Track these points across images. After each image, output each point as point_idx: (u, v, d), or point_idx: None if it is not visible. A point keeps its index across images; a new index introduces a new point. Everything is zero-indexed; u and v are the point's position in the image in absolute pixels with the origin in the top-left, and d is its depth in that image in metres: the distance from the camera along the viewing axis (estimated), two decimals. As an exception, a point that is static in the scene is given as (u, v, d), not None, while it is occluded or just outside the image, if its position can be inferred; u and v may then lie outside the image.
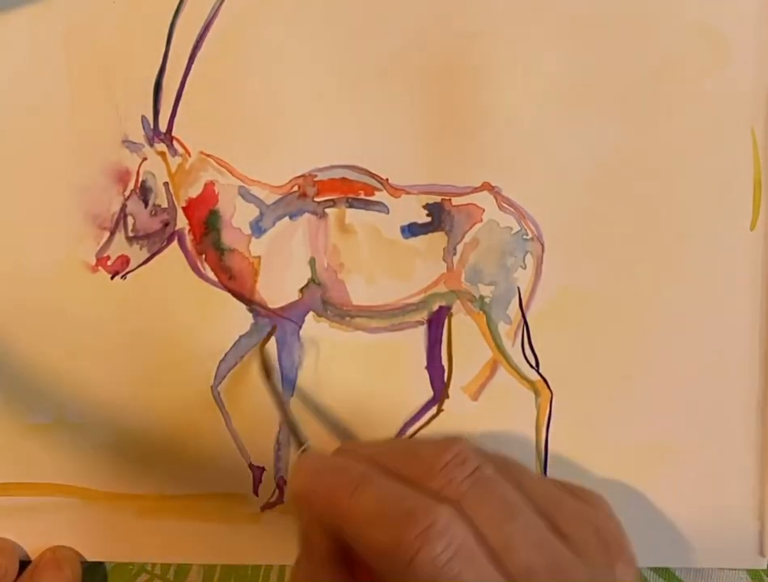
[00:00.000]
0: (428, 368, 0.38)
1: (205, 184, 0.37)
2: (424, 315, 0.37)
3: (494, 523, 0.26)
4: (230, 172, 0.37)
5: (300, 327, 0.38)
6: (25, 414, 0.38)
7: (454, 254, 0.37)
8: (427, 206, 0.37)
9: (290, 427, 0.36)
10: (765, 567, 0.38)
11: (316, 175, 0.37)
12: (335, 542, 0.28)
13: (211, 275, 0.37)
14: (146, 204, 0.37)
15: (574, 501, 0.29)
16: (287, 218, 0.37)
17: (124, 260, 0.37)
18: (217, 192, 0.37)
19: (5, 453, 0.38)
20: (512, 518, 0.27)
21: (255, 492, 0.38)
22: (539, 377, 0.38)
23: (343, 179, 0.37)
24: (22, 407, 0.38)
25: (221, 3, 0.37)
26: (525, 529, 0.27)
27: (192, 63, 0.37)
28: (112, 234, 0.37)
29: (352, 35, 0.37)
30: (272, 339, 0.37)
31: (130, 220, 0.37)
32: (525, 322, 0.37)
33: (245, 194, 0.37)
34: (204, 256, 0.37)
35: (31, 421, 0.38)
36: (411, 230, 0.37)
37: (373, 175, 0.37)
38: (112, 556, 0.39)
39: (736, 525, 0.38)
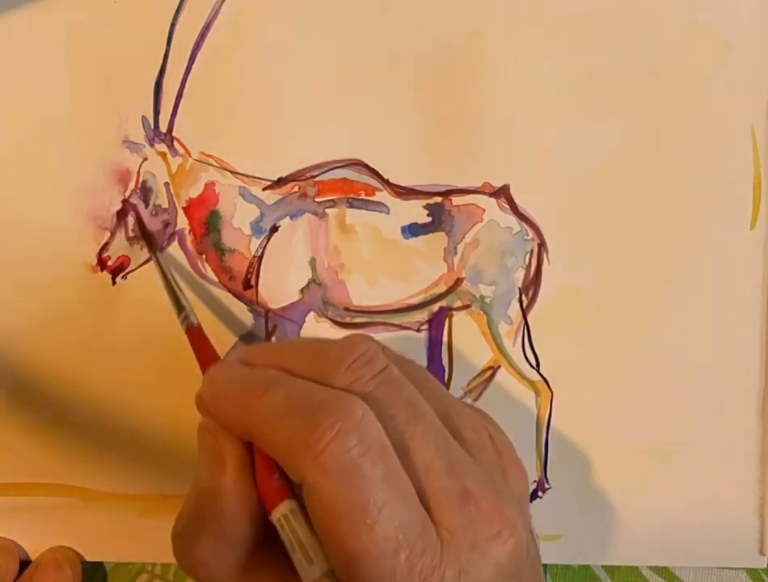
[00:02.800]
0: (428, 368, 0.38)
1: (206, 184, 0.37)
2: (424, 315, 0.37)
3: (398, 422, 0.26)
4: (231, 172, 0.37)
5: (300, 328, 0.38)
6: (25, 414, 0.38)
7: (455, 254, 0.37)
8: (427, 206, 0.37)
9: (171, 295, 0.34)
10: (765, 566, 0.38)
11: (316, 175, 0.37)
12: (245, 453, 0.27)
13: (211, 275, 0.37)
14: (147, 205, 0.37)
15: (471, 410, 0.29)
16: (287, 218, 0.37)
17: (125, 260, 0.37)
18: (217, 193, 0.37)
19: (5, 453, 0.38)
20: (416, 419, 0.26)
21: (256, 492, 0.38)
22: (539, 377, 0.38)
23: (344, 179, 0.37)
24: (22, 407, 0.38)
25: (221, 3, 0.37)
26: (427, 431, 0.26)
27: (193, 63, 0.37)
28: (113, 234, 0.37)
29: (352, 35, 0.37)
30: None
31: (131, 220, 0.37)
32: (526, 322, 0.37)
33: (245, 194, 0.37)
34: (204, 256, 0.37)
35: (31, 421, 0.38)
36: (412, 231, 0.37)
37: (373, 176, 0.37)
38: (112, 556, 0.39)
39: (736, 525, 0.38)
